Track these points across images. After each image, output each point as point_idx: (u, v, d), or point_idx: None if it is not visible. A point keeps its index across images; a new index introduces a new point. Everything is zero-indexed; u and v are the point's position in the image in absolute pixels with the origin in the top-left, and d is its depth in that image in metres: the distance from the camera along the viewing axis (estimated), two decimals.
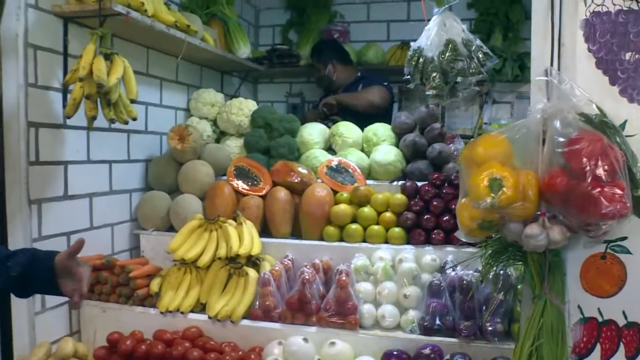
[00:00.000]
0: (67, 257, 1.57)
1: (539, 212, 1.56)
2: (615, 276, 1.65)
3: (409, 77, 2.47)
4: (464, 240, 1.77)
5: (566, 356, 1.64)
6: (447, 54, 2.27)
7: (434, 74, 2.29)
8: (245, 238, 2.71)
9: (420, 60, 2.36)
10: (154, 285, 2.71)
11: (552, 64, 1.69)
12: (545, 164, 1.55)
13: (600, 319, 1.67)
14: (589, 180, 1.44)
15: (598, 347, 1.68)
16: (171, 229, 3.12)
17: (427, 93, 2.37)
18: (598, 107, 1.57)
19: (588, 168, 1.44)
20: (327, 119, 3.79)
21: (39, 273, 1.56)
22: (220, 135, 3.71)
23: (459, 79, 2.30)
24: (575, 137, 1.51)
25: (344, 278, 2.44)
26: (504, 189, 1.48)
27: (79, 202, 2.77)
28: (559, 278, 1.67)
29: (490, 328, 2.28)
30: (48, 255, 1.60)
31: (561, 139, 1.52)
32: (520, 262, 1.74)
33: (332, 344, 2.29)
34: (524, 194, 1.50)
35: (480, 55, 2.37)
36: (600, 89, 1.67)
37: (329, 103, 3.91)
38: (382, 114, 3.84)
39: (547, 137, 1.57)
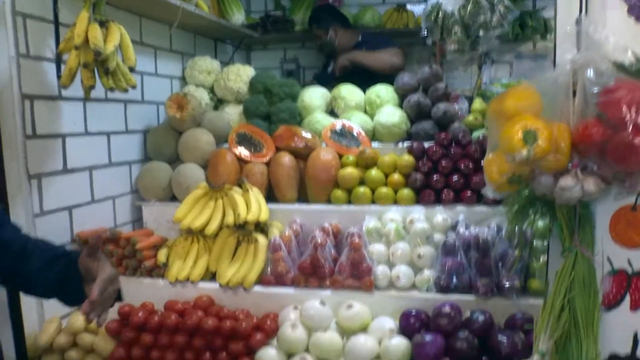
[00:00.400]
0: (86, 256, 1.31)
1: (571, 165, 1.52)
2: None
3: (425, 33, 2.41)
4: (491, 196, 1.72)
5: (598, 308, 1.62)
6: (468, 7, 2.20)
7: (455, 28, 2.23)
8: (253, 204, 2.66)
9: (440, 15, 2.30)
10: (161, 255, 2.66)
11: (580, 13, 1.61)
12: (577, 116, 1.49)
13: (630, 271, 1.64)
14: (629, 130, 1.39)
15: (627, 298, 1.65)
16: (173, 199, 3.08)
17: (449, 48, 2.31)
18: (635, 55, 1.51)
19: (628, 117, 1.39)
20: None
21: (72, 279, 1.33)
22: (218, 103, 3.64)
23: (480, 33, 2.24)
24: (612, 87, 1.44)
25: (356, 240, 2.40)
26: (539, 141, 1.43)
27: (79, 175, 2.70)
28: (589, 231, 1.63)
29: (507, 284, 2.26)
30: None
31: (595, 89, 1.46)
32: (548, 216, 1.70)
33: (350, 306, 2.27)
34: (557, 145, 1.45)
35: (502, 9, 2.31)
36: (632, 37, 1.59)
37: (344, 66, 3.83)
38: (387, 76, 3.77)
39: (578, 88, 1.51)
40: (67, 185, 2.60)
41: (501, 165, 1.55)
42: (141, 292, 2.60)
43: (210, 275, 2.64)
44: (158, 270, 2.66)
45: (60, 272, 1.33)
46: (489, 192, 1.67)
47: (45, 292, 1.39)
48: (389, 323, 2.25)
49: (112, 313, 2.46)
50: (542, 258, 2.31)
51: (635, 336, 1.66)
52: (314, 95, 3.36)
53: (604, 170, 1.48)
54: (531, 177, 1.55)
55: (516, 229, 2.26)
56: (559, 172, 1.52)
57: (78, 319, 2.44)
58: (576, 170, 1.50)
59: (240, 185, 2.81)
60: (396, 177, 2.81)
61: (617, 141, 1.41)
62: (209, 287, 2.57)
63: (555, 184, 1.51)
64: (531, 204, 1.65)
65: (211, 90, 3.63)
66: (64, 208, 2.59)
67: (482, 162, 1.68)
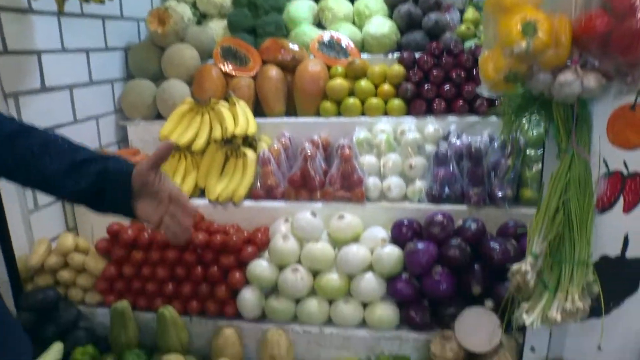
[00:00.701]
0: (149, 169, 1.14)
1: (570, 61, 1.46)
2: None
3: None
4: (486, 95, 1.66)
5: (592, 209, 1.60)
6: None
7: None
8: (240, 118, 2.59)
9: None
10: None
11: None
12: (579, 8, 1.41)
13: (625, 172, 1.61)
14: (638, 17, 1.32)
15: (621, 199, 1.64)
16: (158, 117, 3.01)
17: None
18: None
19: (637, 3, 1.31)
20: None
21: (111, 191, 1.16)
22: (201, 18, 3.49)
23: None
24: None
25: (347, 152, 2.35)
26: (539, 33, 1.36)
27: (59, 94, 2.60)
28: (586, 131, 1.58)
29: (499, 194, 2.24)
30: (122, 169, 1.17)
31: None
32: (544, 117, 1.65)
33: (341, 217, 2.24)
34: (557, 39, 1.38)
35: None
36: None
37: None
38: None
39: None
40: (46, 104, 2.50)
41: (498, 62, 1.49)
42: None
43: (199, 192, 2.61)
44: None
45: (95, 180, 1.16)
46: (484, 90, 1.61)
47: (73, 198, 1.22)
48: (381, 233, 2.25)
49: (102, 232, 2.45)
50: (535, 167, 2.28)
51: (625, 238, 1.66)
52: (301, 7, 3.23)
53: (606, 64, 1.43)
54: (528, 75, 1.49)
55: (510, 137, 2.24)
56: (558, 69, 1.46)
57: (68, 239, 2.42)
58: (576, 66, 1.44)
59: (226, 100, 2.73)
60: (386, 87, 2.75)
61: (622, 30, 1.35)
62: (198, 204, 2.53)
63: (554, 81, 1.46)
64: (527, 104, 1.60)
65: (193, 5, 3.47)
66: (45, 128, 2.49)
67: (477, 67, 1.62)
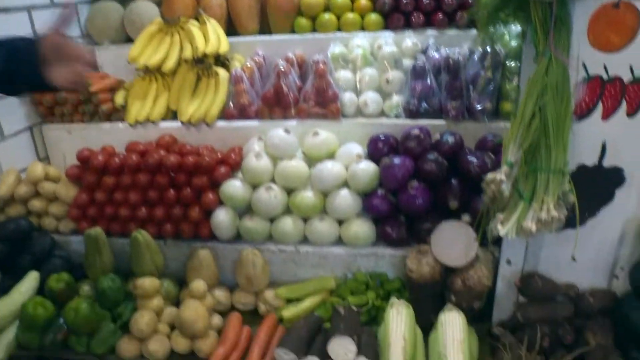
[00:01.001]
0: (57, 34, 1.27)
1: None
2: (627, 27, 1.48)
3: None
4: None
5: (570, 115, 1.55)
6: None
7: None
8: (211, 36, 2.49)
9: None
10: (119, 97, 2.53)
11: None
12: None
13: (605, 77, 1.55)
14: None
15: (599, 106, 1.58)
16: (128, 40, 2.88)
17: None
18: None
19: None
20: None
21: (23, 68, 1.26)
22: None
23: None
24: None
25: (321, 67, 2.27)
26: None
27: (16, 16, 2.46)
28: (565, 33, 1.51)
29: (479, 107, 2.18)
30: (29, 46, 1.28)
31: None
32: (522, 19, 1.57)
33: (316, 134, 2.18)
34: None
35: None
36: None
37: None
38: None
39: None
40: (2, 26, 2.35)
41: None
42: (101, 137, 2.51)
43: (172, 114, 2.53)
44: (117, 114, 2.54)
45: (5, 60, 1.24)
46: None
47: None
48: (357, 149, 2.19)
49: (72, 159, 2.38)
50: (515, 80, 2.21)
51: (603, 145, 1.62)
52: None
53: None
54: None
55: (488, 47, 2.15)
56: None
57: (37, 168, 2.36)
58: None
59: (197, 19, 2.61)
60: (363, 1, 2.64)
61: None
62: (171, 127, 2.47)
63: None
64: (504, 4, 1.52)
65: None
66: None
67: None
